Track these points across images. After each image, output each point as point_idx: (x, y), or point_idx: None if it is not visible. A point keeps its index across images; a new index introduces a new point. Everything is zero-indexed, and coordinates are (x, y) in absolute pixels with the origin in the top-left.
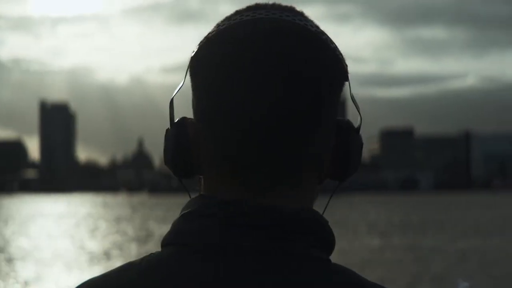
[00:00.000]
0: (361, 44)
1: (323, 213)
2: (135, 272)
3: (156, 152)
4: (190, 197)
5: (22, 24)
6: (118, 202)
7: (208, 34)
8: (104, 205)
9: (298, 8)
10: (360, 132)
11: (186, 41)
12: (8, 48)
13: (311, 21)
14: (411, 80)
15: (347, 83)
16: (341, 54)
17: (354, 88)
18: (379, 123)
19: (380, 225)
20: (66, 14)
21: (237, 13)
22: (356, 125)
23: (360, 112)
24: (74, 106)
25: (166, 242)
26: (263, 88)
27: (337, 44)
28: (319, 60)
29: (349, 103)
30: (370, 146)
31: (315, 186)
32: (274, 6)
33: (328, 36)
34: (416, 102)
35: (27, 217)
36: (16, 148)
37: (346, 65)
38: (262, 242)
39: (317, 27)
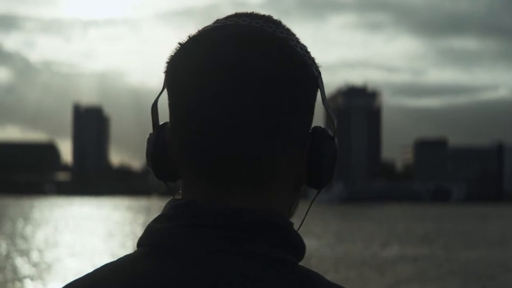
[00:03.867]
0: (394, 53)
1: (303, 220)
2: (109, 270)
3: None
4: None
5: (52, 27)
6: (148, 206)
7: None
8: (132, 209)
9: (329, 15)
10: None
11: None
12: (38, 50)
13: (285, 29)
14: (443, 90)
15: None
16: (311, 60)
17: (386, 97)
18: (411, 133)
19: (404, 236)
20: (97, 18)
21: (216, 21)
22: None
23: (334, 120)
24: (106, 109)
25: (140, 242)
26: (225, 94)
27: (369, 53)
28: (283, 67)
29: (384, 112)
30: (403, 155)
31: (287, 192)
32: (250, 14)
33: (299, 43)
34: (448, 113)
35: (58, 219)
36: (48, 151)
37: (318, 72)
38: (220, 243)
39: (289, 34)
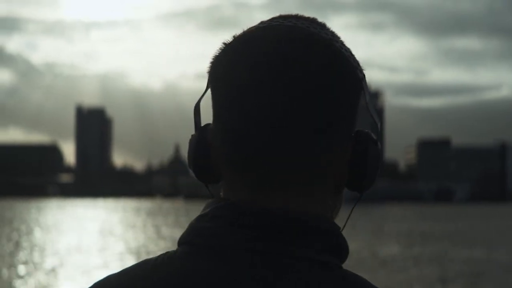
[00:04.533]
0: (396, 53)
1: (345, 223)
2: (149, 267)
3: None
4: None
5: (54, 29)
6: (150, 207)
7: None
8: (137, 210)
9: (331, 16)
10: (384, 142)
11: None
12: (41, 52)
13: (329, 31)
14: (445, 90)
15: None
16: (356, 62)
17: (389, 97)
18: (414, 133)
19: (408, 235)
20: (99, 19)
21: (260, 22)
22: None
23: (378, 123)
24: (109, 110)
25: (181, 241)
26: (268, 94)
27: (371, 53)
28: (328, 67)
29: (387, 112)
30: (406, 155)
31: (330, 194)
32: (295, 16)
33: (344, 45)
34: (450, 113)
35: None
36: (51, 152)
37: (363, 74)
38: (266, 245)
39: (334, 36)
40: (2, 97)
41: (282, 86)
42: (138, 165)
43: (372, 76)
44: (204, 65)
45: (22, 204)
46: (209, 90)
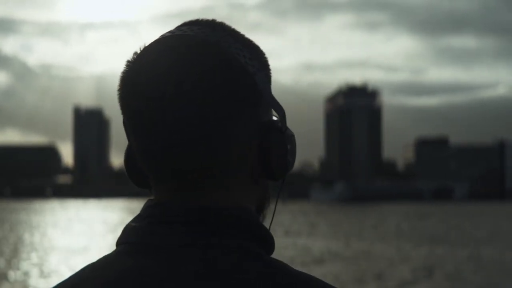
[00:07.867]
0: (393, 52)
1: (273, 215)
2: (89, 270)
3: None
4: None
5: (50, 30)
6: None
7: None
8: (132, 211)
9: (327, 15)
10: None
11: None
12: (36, 54)
13: (222, 31)
14: (442, 89)
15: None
16: (247, 57)
17: (386, 97)
18: (411, 132)
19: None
20: (94, 20)
21: (166, 32)
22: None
23: (280, 112)
24: (106, 111)
25: (117, 242)
26: (163, 105)
27: (367, 52)
28: (212, 70)
29: (384, 112)
30: (404, 154)
31: (247, 186)
32: (189, 22)
33: (235, 43)
34: (448, 111)
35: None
36: (49, 154)
37: (256, 68)
38: (192, 239)
39: (224, 35)
40: None
41: (176, 94)
42: None
43: (369, 76)
44: None
45: (20, 205)
46: None
